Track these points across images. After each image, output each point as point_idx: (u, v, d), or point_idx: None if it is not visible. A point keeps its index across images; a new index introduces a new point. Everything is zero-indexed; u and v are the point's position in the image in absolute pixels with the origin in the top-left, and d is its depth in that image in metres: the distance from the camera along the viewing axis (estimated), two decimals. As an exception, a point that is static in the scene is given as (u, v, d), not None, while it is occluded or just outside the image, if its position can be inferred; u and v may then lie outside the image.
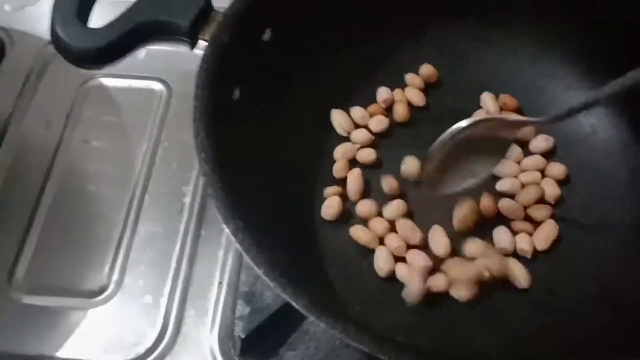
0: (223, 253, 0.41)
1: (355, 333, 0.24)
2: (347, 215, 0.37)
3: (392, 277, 0.35)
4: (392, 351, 0.24)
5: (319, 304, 0.25)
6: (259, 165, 0.33)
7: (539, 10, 0.40)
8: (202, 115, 0.29)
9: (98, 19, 0.35)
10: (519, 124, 0.37)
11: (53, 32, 0.32)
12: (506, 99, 0.41)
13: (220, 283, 0.40)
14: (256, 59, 0.36)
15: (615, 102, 0.39)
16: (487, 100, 0.41)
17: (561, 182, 0.38)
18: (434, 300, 0.34)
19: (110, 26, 0.32)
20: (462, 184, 0.35)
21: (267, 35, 0.37)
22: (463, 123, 0.34)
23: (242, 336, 0.35)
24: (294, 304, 0.25)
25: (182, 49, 0.35)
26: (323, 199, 0.37)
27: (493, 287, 0.35)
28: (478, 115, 0.40)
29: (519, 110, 0.41)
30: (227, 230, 0.27)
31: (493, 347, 0.32)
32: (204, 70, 0.31)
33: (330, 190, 0.38)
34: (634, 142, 0.39)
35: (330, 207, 0.37)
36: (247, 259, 0.26)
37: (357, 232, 0.36)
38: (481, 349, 0.32)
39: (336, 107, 0.40)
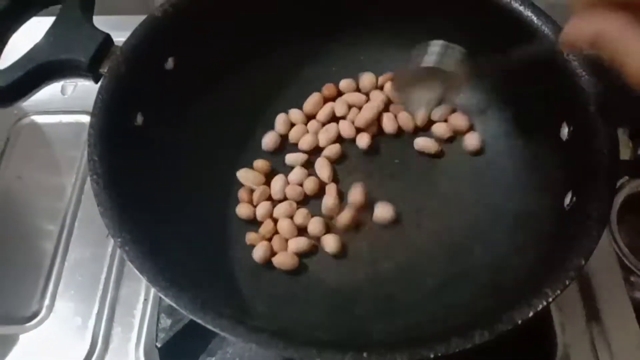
0: (148, 272, 0.43)
1: (229, 326, 0.26)
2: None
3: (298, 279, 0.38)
4: (263, 340, 0.26)
5: (199, 305, 0.27)
6: (159, 185, 0.35)
7: (433, 26, 0.43)
8: (95, 142, 0.32)
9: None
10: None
11: (-41, 76, 0.35)
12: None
13: (145, 300, 0.42)
14: (159, 86, 0.39)
15: (500, 100, 0.43)
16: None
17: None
18: (339, 295, 0.37)
19: (11, 68, 0.35)
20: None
21: (169, 63, 0.40)
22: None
23: (159, 345, 0.37)
24: (174, 305, 0.27)
25: None
26: (229, 214, 0.40)
27: (391, 282, 0.38)
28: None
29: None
30: (116, 244, 0.29)
31: (388, 335, 0.34)
32: (99, 100, 0.34)
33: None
34: (519, 138, 0.41)
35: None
36: (139, 274, 0.29)
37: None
38: (378, 338, 0.34)
39: (240, 129, 0.43)
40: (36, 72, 0.35)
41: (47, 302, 0.42)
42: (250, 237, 0.38)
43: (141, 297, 0.42)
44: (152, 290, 0.42)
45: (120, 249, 0.29)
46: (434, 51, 0.36)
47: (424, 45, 0.36)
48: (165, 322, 0.39)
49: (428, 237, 0.40)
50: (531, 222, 0.37)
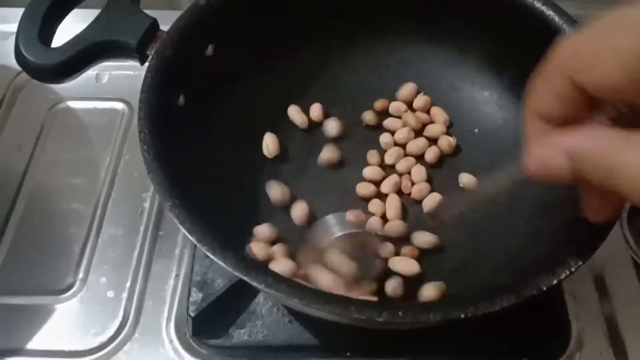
0: (179, 250, 0.45)
1: (272, 282, 0.28)
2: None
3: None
4: (305, 296, 0.28)
5: (244, 263, 0.29)
6: (199, 158, 0.37)
7: (452, 26, 0.46)
8: (145, 115, 0.34)
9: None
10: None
11: (17, 52, 0.37)
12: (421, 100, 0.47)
13: (176, 276, 0.44)
14: (200, 70, 0.41)
15: (520, 95, 0.45)
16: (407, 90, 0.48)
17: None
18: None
19: (67, 45, 0.37)
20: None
21: (209, 50, 0.42)
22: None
23: (192, 315, 0.39)
24: (221, 263, 0.29)
25: (141, 72, 0.40)
26: (259, 189, 0.42)
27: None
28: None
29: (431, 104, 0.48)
30: (166, 207, 0.31)
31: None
32: (147, 78, 0.36)
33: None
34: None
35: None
36: (188, 235, 0.31)
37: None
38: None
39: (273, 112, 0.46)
40: (88, 51, 0.37)
41: (81, 275, 0.44)
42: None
43: (173, 273, 0.44)
44: (184, 266, 0.44)
45: (171, 213, 0.30)
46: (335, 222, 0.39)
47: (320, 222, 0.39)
48: (197, 295, 0.41)
49: (449, 224, 0.41)
50: (549, 209, 0.39)
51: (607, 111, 0.23)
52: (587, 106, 0.23)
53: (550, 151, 0.23)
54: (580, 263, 0.30)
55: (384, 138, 0.46)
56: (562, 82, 0.23)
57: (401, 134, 0.46)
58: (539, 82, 0.24)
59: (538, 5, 0.41)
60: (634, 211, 0.48)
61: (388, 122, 0.47)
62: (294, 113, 0.46)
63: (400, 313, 0.27)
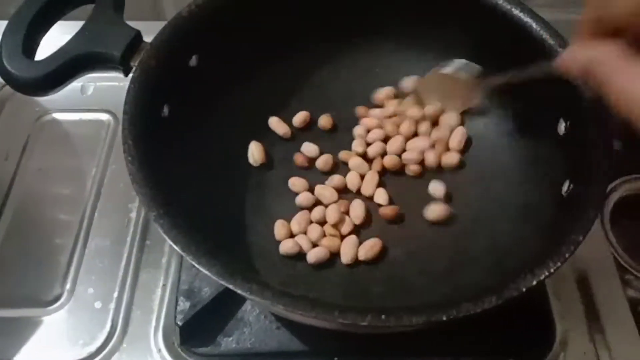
0: (166, 259, 0.45)
1: (257, 290, 0.28)
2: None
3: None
4: (290, 302, 0.28)
5: (229, 272, 0.29)
6: (185, 167, 0.38)
7: (437, 33, 0.46)
8: (129, 126, 0.34)
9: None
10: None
11: (0, 65, 0.37)
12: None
13: (164, 285, 0.44)
14: (184, 80, 0.41)
15: (502, 103, 0.46)
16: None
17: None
18: (353, 277, 0.39)
19: (51, 58, 0.37)
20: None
21: (193, 61, 0.42)
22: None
23: (180, 324, 0.39)
24: (206, 272, 0.29)
25: (126, 83, 0.40)
26: (245, 200, 0.42)
27: (402, 267, 0.40)
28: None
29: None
30: (151, 217, 0.31)
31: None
32: (131, 89, 0.36)
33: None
34: (519, 135, 0.44)
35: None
36: (172, 245, 0.31)
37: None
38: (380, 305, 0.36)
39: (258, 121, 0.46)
40: (72, 63, 0.38)
41: (68, 286, 0.44)
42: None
43: (160, 282, 0.44)
44: (171, 275, 0.44)
45: (156, 223, 0.31)
46: (454, 64, 0.44)
47: (448, 61, 0.44)
48: (185, 304, 0.41)
49: (436, 227, 0.42)
50: (532, 211, 0.40)
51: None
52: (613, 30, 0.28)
53: (576, 53, 0.30)
54: (559, 264, 0.30)
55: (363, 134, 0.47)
56: (593, 14, 0.29)
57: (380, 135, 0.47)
58: (583, 14, 0.30)
59: (516, 12, 0.42)
60: (616, 212, 0.49)
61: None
62: (275, 124, 0.46)
63: (383, 317, 0.28)
